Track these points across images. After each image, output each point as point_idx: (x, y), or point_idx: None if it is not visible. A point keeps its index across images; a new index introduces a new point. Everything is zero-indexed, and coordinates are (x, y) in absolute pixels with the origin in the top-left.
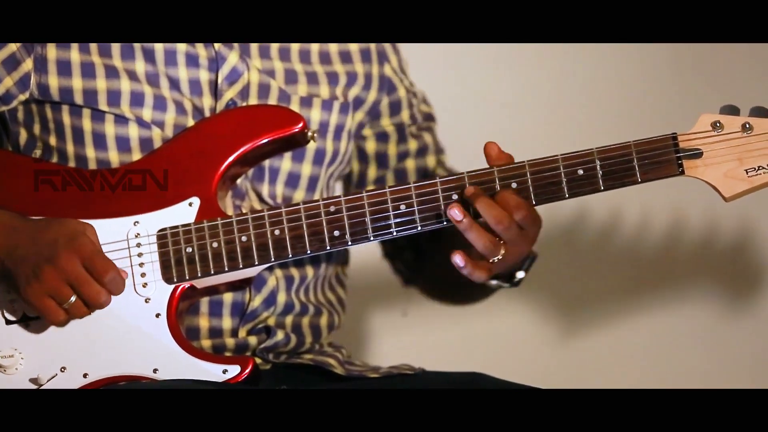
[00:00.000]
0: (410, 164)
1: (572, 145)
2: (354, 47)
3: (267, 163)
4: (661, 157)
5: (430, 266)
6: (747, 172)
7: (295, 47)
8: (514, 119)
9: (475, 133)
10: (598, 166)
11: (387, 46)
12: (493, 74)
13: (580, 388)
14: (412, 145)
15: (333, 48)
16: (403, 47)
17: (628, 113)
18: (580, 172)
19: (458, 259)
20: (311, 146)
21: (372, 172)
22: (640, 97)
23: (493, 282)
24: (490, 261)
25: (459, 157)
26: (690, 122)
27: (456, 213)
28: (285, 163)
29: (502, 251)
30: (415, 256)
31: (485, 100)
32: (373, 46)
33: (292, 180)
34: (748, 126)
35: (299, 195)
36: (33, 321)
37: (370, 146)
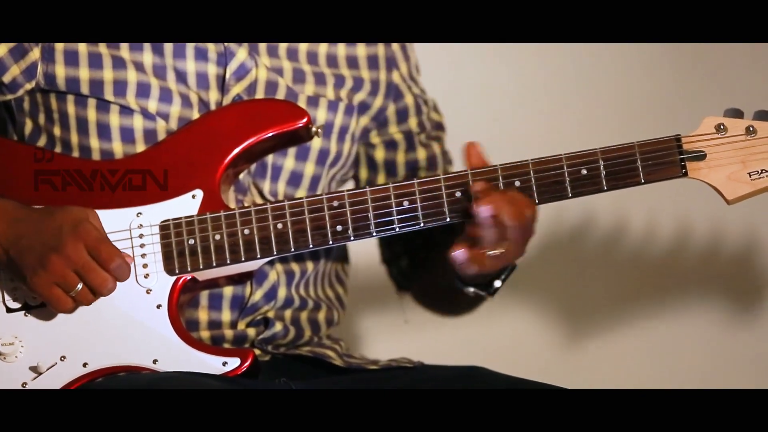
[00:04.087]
0: (422, 176)
1: (573, 145)
2: (362, 53)
3: (270, 160)
4: (665, 159)
5: (422, 275)
6: (750, 176)
7: (302, 48)
8: (515, 119)
9: (476, 132)
10: (601, 166)
11: (398, 53)
12: (494, 73)
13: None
14: (421, 154)
15: (341, 52)
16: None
17: (628, 112)
18: (584, 171)
19: (460, 256)
20: (315, 146)
21: (381, 179)
22: (640, 97)
23: (471, 290)
24: (489, 254)
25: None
26: (690, 121)
27: (486, 210)
28: (288, 161)
29: (504, 247)
30: (410, 264)
31: (487, 99)
32: (381, 52)
33: (295, 178)
34: (752, 129)
35: (300, 194)
36: (34, 309)
37: (379, 154)
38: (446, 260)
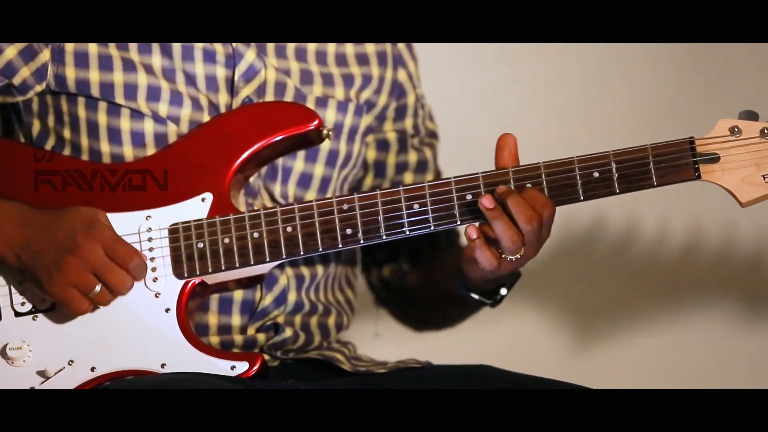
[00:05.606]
0: (408, 178)
1: (584, 147)
2: (371, 50)
3: (280, 162)
4: (678, 161)
5: (404, 285)
6: (764, 178)
7: (311, 48)
8: (524, 120)
9: (483, 134)
10: (614, 169)
11: (405, 52)
12: (502, 74)
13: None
14: (412, 157)
15: (349, 50)
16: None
17: (636, 112)
18: (596, 174)
19: (472, 231)
20: (324, 147)
21: (369, 180)
22: (653, 99)
23: (476, 297)
24: (507, 258)
25: (469, 157)
26: (696, 122)
27: (488, 201)
28: (298, 163)
29: (522, 251)
30: (394, 274)
31: (494, 100)
32: (389, 49)
33: (305, 180)
34: (766, 131)
35: (311, 196)
36: (42, 313)
37: (371, 154)
38: (436, 270)
